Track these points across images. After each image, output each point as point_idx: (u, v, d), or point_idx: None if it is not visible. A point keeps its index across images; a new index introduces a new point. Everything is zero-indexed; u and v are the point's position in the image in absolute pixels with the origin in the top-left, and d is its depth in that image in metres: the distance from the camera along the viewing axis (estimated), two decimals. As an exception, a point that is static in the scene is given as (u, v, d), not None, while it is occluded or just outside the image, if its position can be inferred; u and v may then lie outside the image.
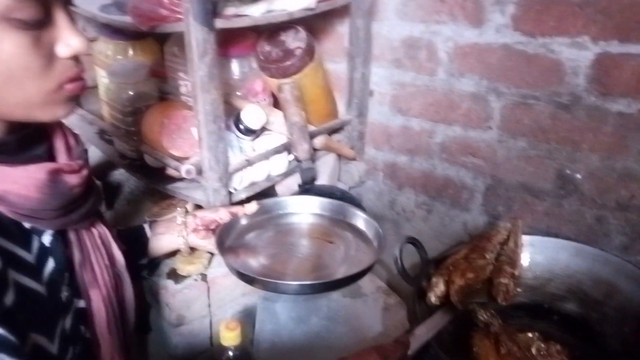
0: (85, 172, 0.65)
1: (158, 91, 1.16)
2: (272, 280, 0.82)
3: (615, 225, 0.95)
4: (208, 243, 0.90)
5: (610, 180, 0.93)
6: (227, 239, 0.92)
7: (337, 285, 0.86)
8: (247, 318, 1.03)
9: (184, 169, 0.92)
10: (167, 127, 1.00)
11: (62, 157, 0.64)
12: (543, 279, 0.90)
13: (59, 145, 0.65)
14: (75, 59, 0.57)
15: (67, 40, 0.55)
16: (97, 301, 0.68)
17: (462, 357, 0.83)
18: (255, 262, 0.88)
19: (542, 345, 0.81)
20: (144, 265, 0.90)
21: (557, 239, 0.91)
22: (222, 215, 0.91)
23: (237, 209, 0.94)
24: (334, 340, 1.00)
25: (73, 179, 0.62)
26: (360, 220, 0.99)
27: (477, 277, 0.86)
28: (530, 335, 0.83)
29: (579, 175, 0.97)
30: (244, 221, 0.97)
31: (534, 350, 0.81)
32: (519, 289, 0.89)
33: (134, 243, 0.87)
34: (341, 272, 0.85)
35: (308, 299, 1.05)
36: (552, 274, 0.90)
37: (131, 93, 1.11)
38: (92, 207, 0.68)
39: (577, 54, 0.90)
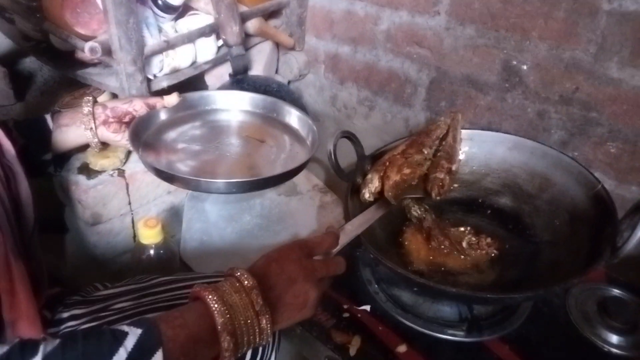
0: None
1: (61, -42, 0.98)
2: (194, 178, 0.75)
3: (556, 120, 0.92)
4: (122, 137, 0.80)
5: (556, 72, 0.89)
6: (144, 134, 0.83)
7: (264, 184, 0.80)
8: (174, 217, 0.98)
9: (88, 47, 0.79)
10: (69, -1, 0.85)
11: None
12: (479, 173, 0.88)
13: None
14: None
15: None
16: (-19, 195, 0.59)
17: (393, 252, 0.81)
18: (177, 160, 0.80)
19: (473, 238, 0.81)
20: (48, 161, 0.80)
21: (496, 133, 0.88)
22: (137, 107, 0.81)
23: (156, 101, 0.83)
24: (267, 238, 0.97)
25: None
26: (293, 117, 0.92)
27: (414, 172, 0.82)
28: (462, 229, 0.83)
29: (525, 67, 0.92)
30: (163, 115, 0.87)
31: (464, 244, 0.80)
32: (455, 184, 0.87)
33: (34, 136, 0.76)
34: (270, 172, 0.79)
35: (240, 198, 1.00)
36: (488, 169, 0.88)
37: (28, -40, 0.94)
38: None
39: None
